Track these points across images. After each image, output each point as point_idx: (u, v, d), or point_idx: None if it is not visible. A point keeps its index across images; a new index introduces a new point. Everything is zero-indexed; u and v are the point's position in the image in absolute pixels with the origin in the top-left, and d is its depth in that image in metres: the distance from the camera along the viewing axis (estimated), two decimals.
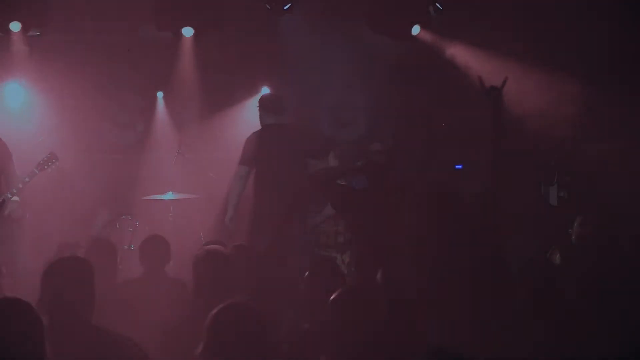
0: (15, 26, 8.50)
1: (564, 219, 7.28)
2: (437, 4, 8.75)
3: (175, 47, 9.23)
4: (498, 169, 4.53)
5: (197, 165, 9.76)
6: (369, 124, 10.40)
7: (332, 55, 9.34)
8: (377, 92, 10.15)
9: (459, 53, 8.72)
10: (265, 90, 10.11)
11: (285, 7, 9.07)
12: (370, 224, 6.37)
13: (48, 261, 4.68)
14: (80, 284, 4.10)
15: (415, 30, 8.72)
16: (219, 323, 3.64)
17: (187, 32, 8.79)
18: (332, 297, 3.84)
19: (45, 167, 7.72)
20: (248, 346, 3.60)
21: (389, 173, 6.64)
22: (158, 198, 9.06)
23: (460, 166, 8.71)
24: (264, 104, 8.05)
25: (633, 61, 8.40)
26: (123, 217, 9.06)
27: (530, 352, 3.99)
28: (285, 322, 4.81)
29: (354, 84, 10.16)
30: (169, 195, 9.09)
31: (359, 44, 9.26)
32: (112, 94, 10.25)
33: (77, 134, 9.38)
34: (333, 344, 3.79)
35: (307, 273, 4.78)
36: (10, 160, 7.76)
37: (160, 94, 9.92)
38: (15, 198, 7.50)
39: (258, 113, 8.01)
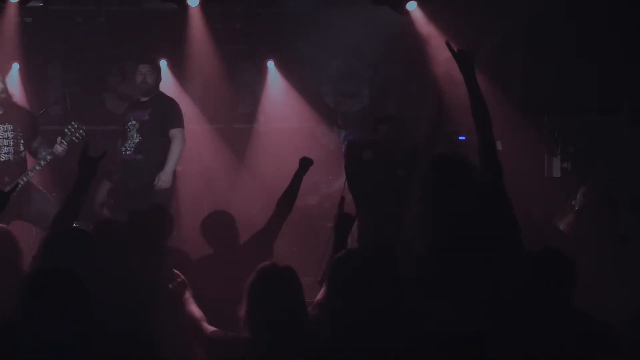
0: None
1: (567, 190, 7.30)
2: None
3: (179, 18, 9.18)
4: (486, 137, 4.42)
5: (201, 137, 9.77)
6: (373, 95, 10.40)
7: (336, 25, 9.29)
8: (381, 64, 10.13)
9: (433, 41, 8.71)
10: (271, 64, 10.10)
11: None
12: (376, 196, 6.36)
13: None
14: (79, 256, 4.12)
15: (411, 5, 8.65)
16: (261, 284, 3.83)
17: (193, 1, 8.73)
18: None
19: (74, 138, 7.67)
20: (288, 306, 3.82)
21: (399, 146, 6.63)
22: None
23: (463, 137, 8.69)
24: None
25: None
26: None
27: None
28: None
29: (358, 55, 10.13)
30: None
31: (362, 13, 9.21)
32: (114, 64, 10.26)
33: (79, 106, 9.37)
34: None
35: None
36: (37, 137, 7.78)
37: (163, 63, 9.89)
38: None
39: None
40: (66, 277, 3.33)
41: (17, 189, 5.33)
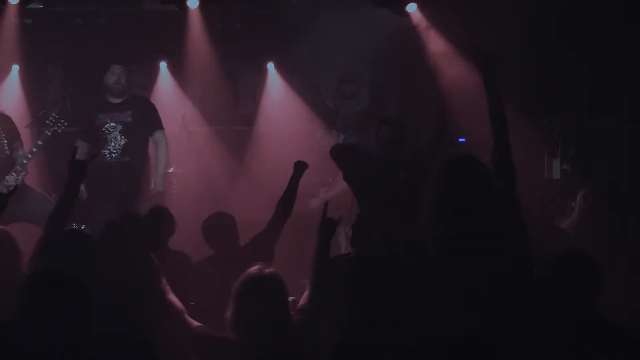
0: None
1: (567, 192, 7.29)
2: None
3: (179, 19, 9.19)
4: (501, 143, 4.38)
5: (201, 139, 9.77)
6: (373, 97, 10.39)
7: (336, 26, 9.29)
8: (381, 65, 10.12)
9: (433, 43, 8.71)
10: (271, 66, 10.09)
11: None
12: (377, 196, 6.37)
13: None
14: (79, 256, 4.13)
15: (411, 7, 8.66)
16: (246, 290, 4.00)
17: (192, 3, 8.75)
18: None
19: (56, 128, 7.74)
20: (272, 312, 3.97)
21: (400, 146, 6.66)
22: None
23: (463, 139, 8.69)
24: None
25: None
26: None
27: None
28: None
29: (358, 57, 10.12)
30: (171, 169, 9.12)
31: (362, 14, 9.21)
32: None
33: (79, 107, 9.36)
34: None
35: None
36: (18, 139, 7.86)
37: (163, 65, 9.88)
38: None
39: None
40: (65, 278, 3.34)
41: (15, 190, 5.36)
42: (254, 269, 4.09)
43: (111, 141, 8.04)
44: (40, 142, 7.69)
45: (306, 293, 4.40)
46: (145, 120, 8.20)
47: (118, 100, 8.16)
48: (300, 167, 6.03)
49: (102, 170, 7.99)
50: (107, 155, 8.04)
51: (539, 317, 3.91)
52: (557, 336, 3.84)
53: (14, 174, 7.59)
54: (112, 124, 8.06)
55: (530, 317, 3.90)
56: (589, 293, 3.98)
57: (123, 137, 8.05)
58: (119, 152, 8.05)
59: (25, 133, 8.32)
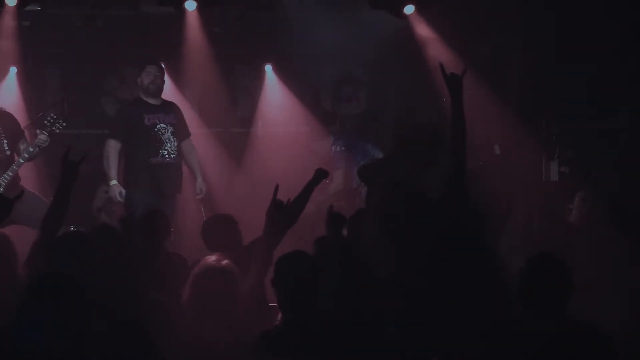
0: (11, 0, 8.41)
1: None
2: None
3: (177, 21, 9.20)
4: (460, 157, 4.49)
5: (199, 141, 9.76)
6: (371, 99, 10.40)
7: (334, 29, 9.29)
8: (379, 67, 10.12)
9: (432, 45, 8.73)
10: (268, 68, 10.10)
11: None
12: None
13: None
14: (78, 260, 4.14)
15: (409, 9, 8.67)
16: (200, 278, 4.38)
17: (190, 5, 8.76)
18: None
19: (54, 128, 7.71)
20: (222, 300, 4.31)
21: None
22: None
23: None
24: None
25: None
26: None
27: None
28: None
29: (356, 59, 10.13)
30: None
31: (360, 16, 9.21)
32: (112, 68, 10.25)
33: (76, 109, 9.36)
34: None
35: None
36: (23, 137, 7.82)
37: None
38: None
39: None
40: (65, 281, 3.33)
41: (22, 195, 5.31)
42: (212, 259, 4.42)
43: (166, 142, 8.09)
44: (37, 144, 7.63)
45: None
46: (184, 126, 8.34)
47: (156, 102, 8.20)
48: (320, 175, 5.79)
49: (160, 170, 8.05)
50: (167, 156, 8.09)
51: (507, 323, 3.93)
52: (527, 340, 3.85)
53: (10, 173, 7.54)
54: (163, 125, 8.11)
55: (495, 323, 3.92)
56: (559, 296, 4.02)
57: (175, 138, 8.15)
58: (176, 153, 8.14)
59: None
